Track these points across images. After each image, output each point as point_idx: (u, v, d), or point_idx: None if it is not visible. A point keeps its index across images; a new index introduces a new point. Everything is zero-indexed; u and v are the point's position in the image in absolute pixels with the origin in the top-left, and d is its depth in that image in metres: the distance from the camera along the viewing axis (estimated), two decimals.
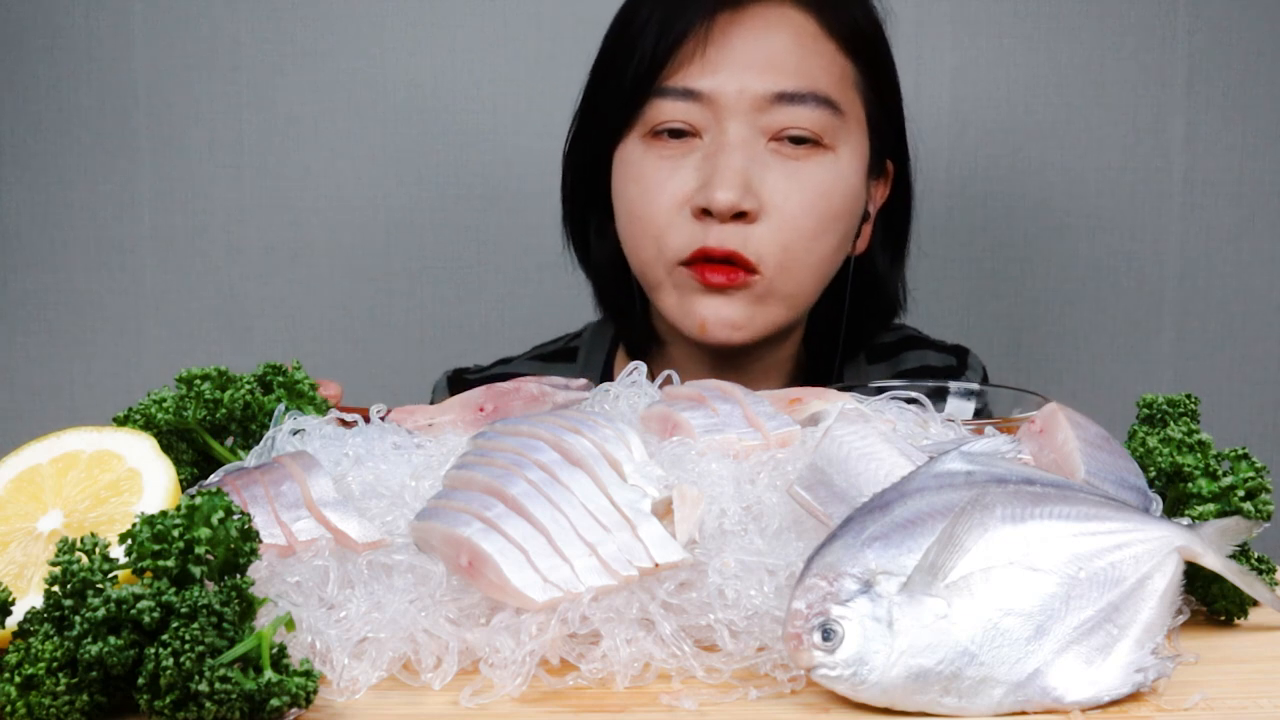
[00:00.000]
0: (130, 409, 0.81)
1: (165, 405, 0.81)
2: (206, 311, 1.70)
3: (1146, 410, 0.83)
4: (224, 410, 0.82)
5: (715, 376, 1.26)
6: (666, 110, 1.17)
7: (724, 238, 1.15)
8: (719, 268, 1.15)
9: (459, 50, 1.68)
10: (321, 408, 0.86)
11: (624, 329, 1.32)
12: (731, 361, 1.25)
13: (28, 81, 1.67)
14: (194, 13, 1.67)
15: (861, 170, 1.21)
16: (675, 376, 0.88)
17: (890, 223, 1.30)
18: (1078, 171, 1.69)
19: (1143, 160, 1.70)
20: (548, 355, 1.37)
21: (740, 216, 1.14)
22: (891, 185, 1.29)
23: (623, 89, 1.19)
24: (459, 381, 1.35)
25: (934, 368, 1.33)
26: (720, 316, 1.17)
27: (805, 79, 1.16)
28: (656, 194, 1.17)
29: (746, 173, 1.14)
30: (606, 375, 1.32)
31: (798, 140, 1.16)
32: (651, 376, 1.29)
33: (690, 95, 1.16)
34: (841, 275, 1.25)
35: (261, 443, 0.81)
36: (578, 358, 1.36)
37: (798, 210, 1.16)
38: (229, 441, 0.84)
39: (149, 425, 0.80)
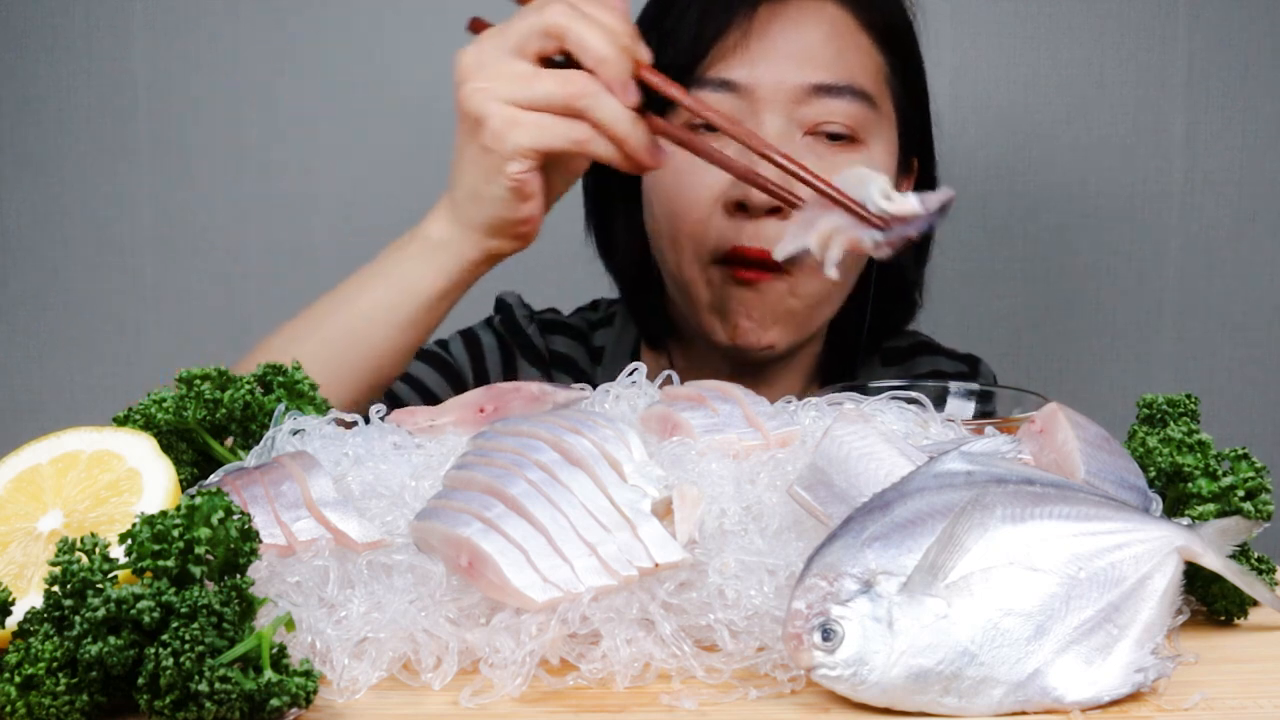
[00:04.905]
0: (130, 409, 0.81)
1: (165, 405, 0.81)
2: (206, 311, 1.70)
3: (1146, 410, 0.83)
4: (224, 410, 0.82)
5: (735, 375, 1.28)
6: (704, 102, 1.16)
7: (757, 235, 1.15)
8: (750, 271, 1.16)
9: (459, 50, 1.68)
10: (321, 408, 0.86)
11: (644, 324, 1.32)
12: (751, 364, 1.25)
13: (28, 81, 1.67)
14: (194, 13, 1.67)
15: (892, 167, 1.21)
16: (675, 377, 0.88)
17: None
18: (1078, 171, 1.69)
19: (1143, 160, 1.70)
20: (594, 322, 1.38)
21: (775, 212, 1.14)
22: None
23: None
24: (504, 306, 1.36)
25: (946, 373, 1.34)
26: (750, 320, 1.17)
27: (842, 72, 1.16)
28: (692, 188, 1.17)
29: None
30: (635, 353, 1.33)
31: (833, 137, 1.16)
32: (673, 368, 1.30)
33: (728, 87, 1.15)
34: (864, 275, 1.25)
35: (261, 443, 0.81)
36: (615, 322, 1.37)
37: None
38: (229, 441, 0.83)
39: (149, 425, 0.80)
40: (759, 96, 1.15)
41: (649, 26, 1.22)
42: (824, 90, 1.15)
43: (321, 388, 0.90)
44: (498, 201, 0.99)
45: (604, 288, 1.39)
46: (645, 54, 0.98)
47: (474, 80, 0.97)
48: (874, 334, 1.32)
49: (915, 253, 1.32)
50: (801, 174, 0.94)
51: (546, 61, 0.97)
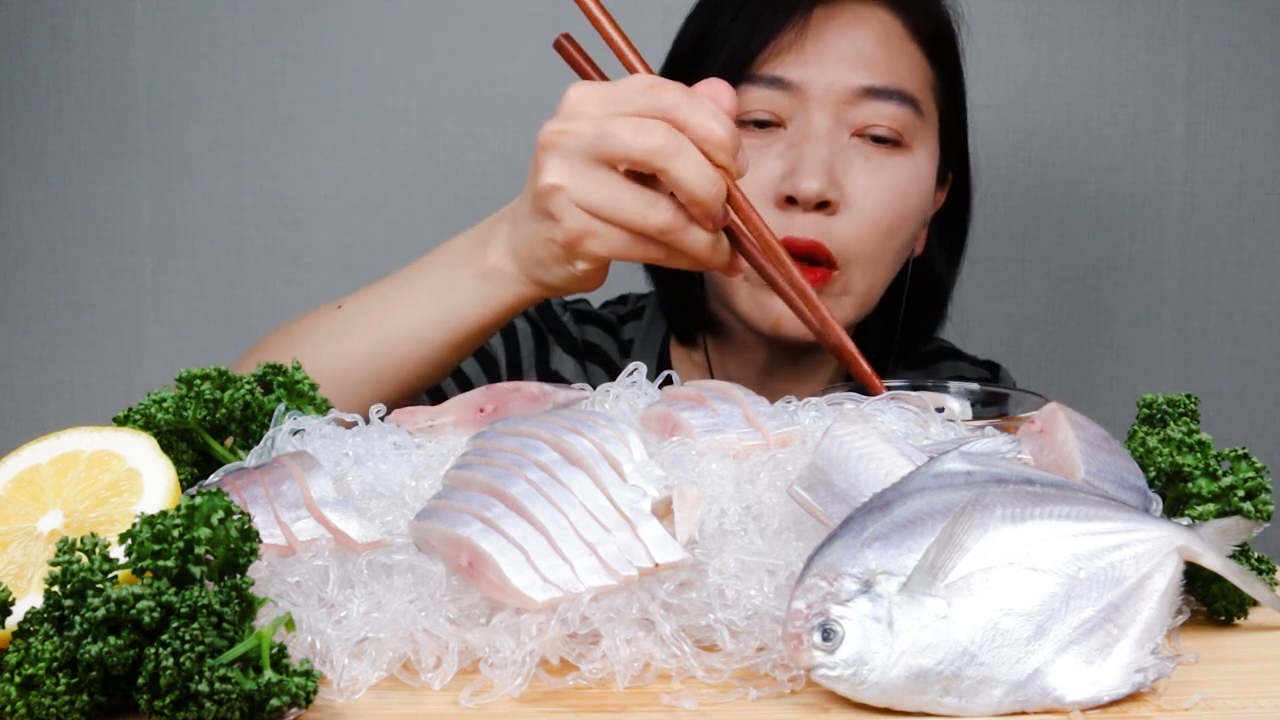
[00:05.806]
0: (130, 409, 0.81)
1: (165, 405, 0.81)
2: (206, 311, 1.70)
3: (1146, 410, 0.83)
4: (224, 410, 0.82)
5: (771, 368, 1.29)
6: (754, 99, 1.17)
7: (807, 227, 1.15)
8: (801, 267, 1.15)
9: (459, 50, 1.68)
10: (321, 408, 0.86)
11: (677, 320, 1.33)
12: (790, 354, 1.26)
13: (28, 81, 1.67)
14: (194, 13, 1.67)
15: (934, 173, 1.23)
16: (675, 377, 0.88)
17: (947, 228, 1.33)
18: (1077, 171, 1.69)
19: (1143, 160, 1.70)
20: (623, 315, 1.38)
21: (823, 206, 1.15)
22: (948, 194, 1.30)
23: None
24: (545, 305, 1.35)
25: (967, 379, 1.34)
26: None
27: (891, 76, 1.18)
28: (742, 182, 1.18)
29: (831, 163, 1.16)
30: (664, 353, 1.34)
31: (879, 140, 1.18)
32: (708, 363, 1.30)
33: (779, 84, 1.17)
34: (899, 276, 1.27)
35: (261, 443, 0.81)
36: (644, 316, 1.37)
37: (877, 205, 1.17)
38: (229, 441, 0.83)
39: (149, 425, 0.80)
40: (810, 96, 1.17)
41: (700, 28, 1.24)
42: (873, 93, 1.17)
43: (349, 396, 0.88)
44: (562, 275, 0.96)
45: (629, 283, 1.40)
46: (744, 166, 0.93)
47: (553, 154, 0.91)
48: (904, 339, 1.33)
49: (948, 264, 1.33)
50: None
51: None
